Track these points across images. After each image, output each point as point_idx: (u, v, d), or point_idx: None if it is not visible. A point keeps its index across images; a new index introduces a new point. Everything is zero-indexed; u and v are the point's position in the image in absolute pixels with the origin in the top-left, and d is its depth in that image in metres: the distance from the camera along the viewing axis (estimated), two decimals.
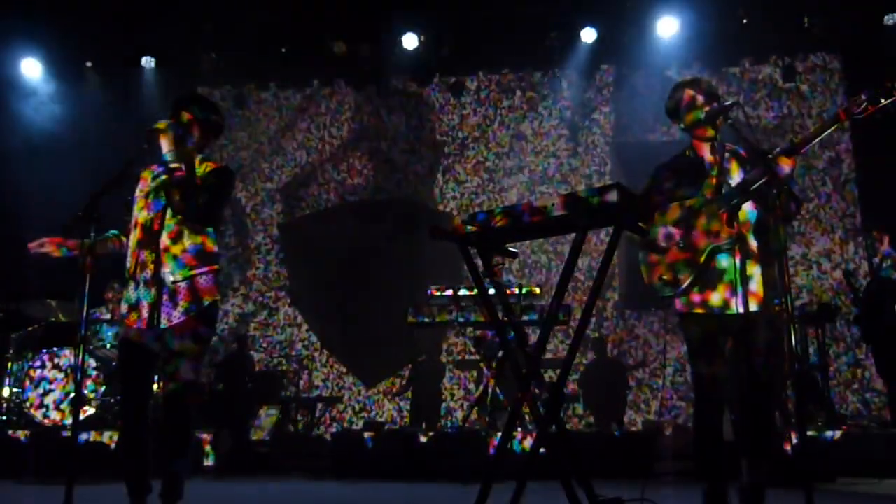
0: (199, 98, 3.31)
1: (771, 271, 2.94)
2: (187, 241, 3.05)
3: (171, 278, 3.00)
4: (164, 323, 2.98)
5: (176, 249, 3.02)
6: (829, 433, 5.15)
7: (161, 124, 3.04)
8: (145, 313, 2.99)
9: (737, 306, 2.88)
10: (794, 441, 4.74)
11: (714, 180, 3.00)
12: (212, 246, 3.12)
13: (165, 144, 3.02)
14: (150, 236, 3.04)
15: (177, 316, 2.99)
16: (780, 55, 9.03)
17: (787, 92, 9.08)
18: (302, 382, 8.87)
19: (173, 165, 3.00)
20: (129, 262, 3.07)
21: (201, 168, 3.15)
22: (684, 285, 2.94)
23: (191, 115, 3.15)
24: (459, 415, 8.50)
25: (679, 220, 3.01)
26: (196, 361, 3.03)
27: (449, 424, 8.33)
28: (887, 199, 7.96)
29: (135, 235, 3.09)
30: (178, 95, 3.24)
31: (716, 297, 2.92)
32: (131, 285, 3.05)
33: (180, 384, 2.97)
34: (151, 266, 3.01)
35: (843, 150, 8.88)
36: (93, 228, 2.96)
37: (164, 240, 3.02)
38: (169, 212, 3.04)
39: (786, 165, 2.81)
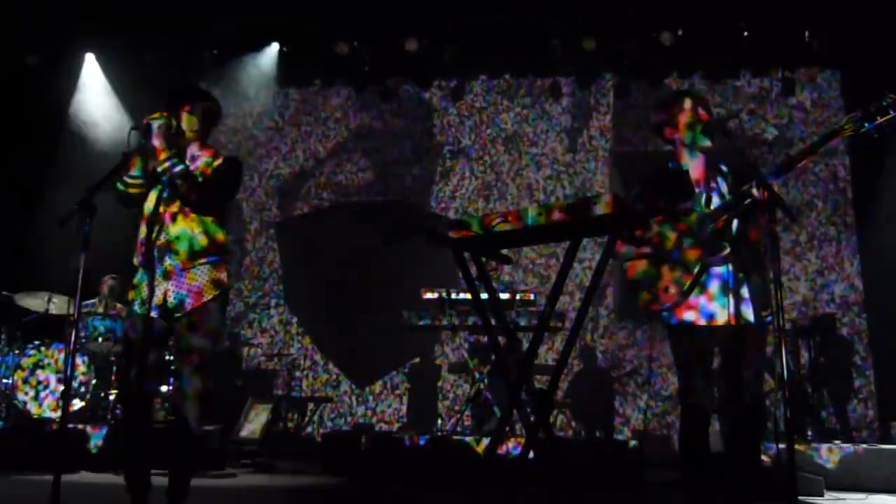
0: (192, 89, 3.27)
1: (761, 284, 2.95)
2: (197, 230, 3.03)
3: (182, 265, 2.99)
4: (184, 309, 2.97)
5: (185, 237, 3.01)
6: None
7: (156, 117, 3.02)
8: (156, 300, 2.98)
9: (727, 319, 2.89)
10: (778, 454, 4.74)
11: (704, 193, 3.01)
12: (222, 235, 3.11)
13: (158, 142, 2.99)
14: (158, 224, 3.03)
15: (190, 303, 2.98)
16: (781, 68, 9.05)
17: (786, 106, 9.10)
18: (293, 382, 8.85)
19: (172, 156, 2.99)
20: (138, 250, 3.07)
21: (213, 159, 3.16)
22: (675, 298, 2.94)
23: (189, 109, 3.14)
24: (452, 417, 8.49)
25: (670, 233, 3.01)
26: (208, 357, 2.99)
27: (442, 427, 8.31)
28: (884, 212, 8.02)
29: (143, 223, 3.08)
30: (172, 89, 3.20)
31: (705, 310, 2.93)
32: (140, 273, 3.04)
33: (192, 382, 2.94)
34: (165, 243, 2.99)
35: (840, 164, 8.90)
36: (88, 222, 2.94)
37: (174, 228, 3.01)
38: (177, 202, 3.03)
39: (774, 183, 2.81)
